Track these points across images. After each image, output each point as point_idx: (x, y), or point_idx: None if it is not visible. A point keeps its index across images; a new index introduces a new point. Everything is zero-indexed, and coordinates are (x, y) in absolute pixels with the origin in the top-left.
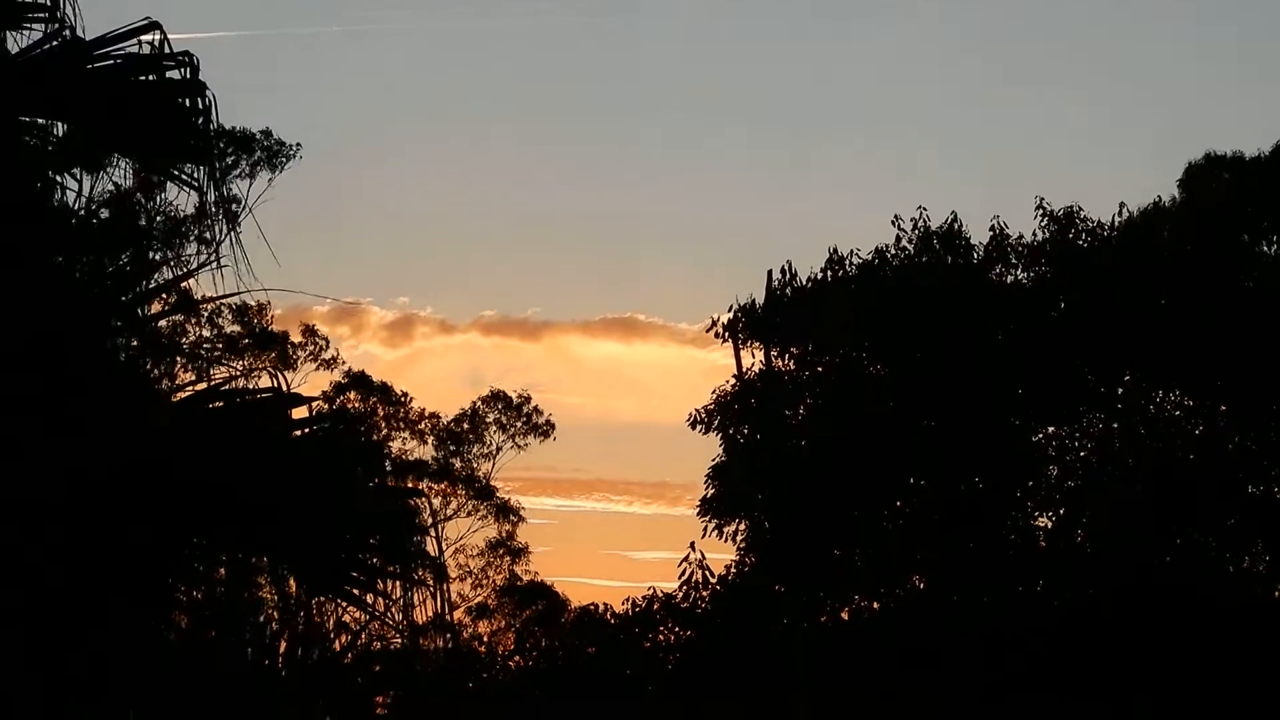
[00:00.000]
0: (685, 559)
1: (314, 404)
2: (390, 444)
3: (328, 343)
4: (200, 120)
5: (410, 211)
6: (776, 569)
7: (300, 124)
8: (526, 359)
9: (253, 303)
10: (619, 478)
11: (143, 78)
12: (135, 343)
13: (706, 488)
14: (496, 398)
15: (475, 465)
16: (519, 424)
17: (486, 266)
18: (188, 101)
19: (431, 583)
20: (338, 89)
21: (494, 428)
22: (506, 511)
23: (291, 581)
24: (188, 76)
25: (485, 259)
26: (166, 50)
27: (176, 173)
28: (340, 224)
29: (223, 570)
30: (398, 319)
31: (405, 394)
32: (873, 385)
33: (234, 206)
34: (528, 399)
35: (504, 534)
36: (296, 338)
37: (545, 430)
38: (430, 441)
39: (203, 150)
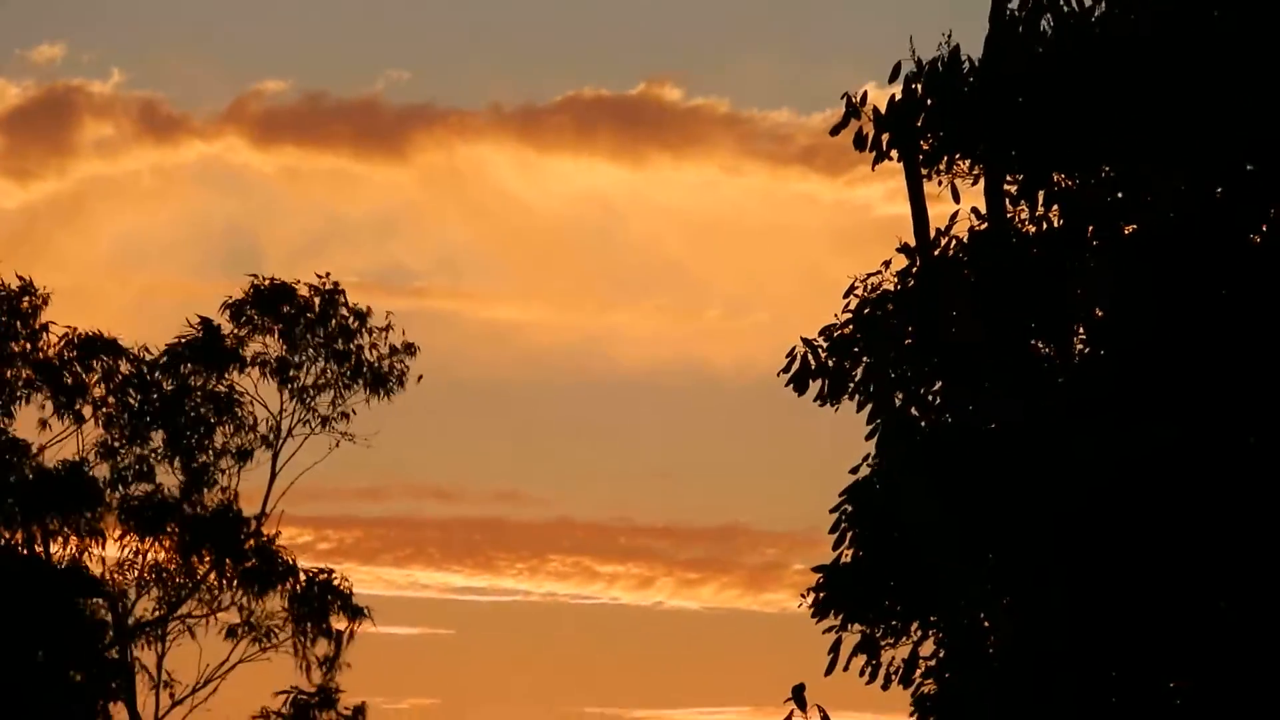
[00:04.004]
0: None
1: None
2: None
3: None
4: None
5: None
6: None
7: None
8: (371, 201)
9: None
10: (601, 520)
11: None
12: None
13: (839, 545)
14: (266, 296)
15: (227, 479)
16: (324, 363)
17: None
18: None
19: None
20: None
21: (263, 374)
22: (348, 608)
23: None
24: None
25: None
26: None
27: None
28: None
29: None
30: (42, 95)
31: (30, 286)
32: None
33: None
34: (337, 291)
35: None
36: None
37: (391, 376)
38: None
39: None
